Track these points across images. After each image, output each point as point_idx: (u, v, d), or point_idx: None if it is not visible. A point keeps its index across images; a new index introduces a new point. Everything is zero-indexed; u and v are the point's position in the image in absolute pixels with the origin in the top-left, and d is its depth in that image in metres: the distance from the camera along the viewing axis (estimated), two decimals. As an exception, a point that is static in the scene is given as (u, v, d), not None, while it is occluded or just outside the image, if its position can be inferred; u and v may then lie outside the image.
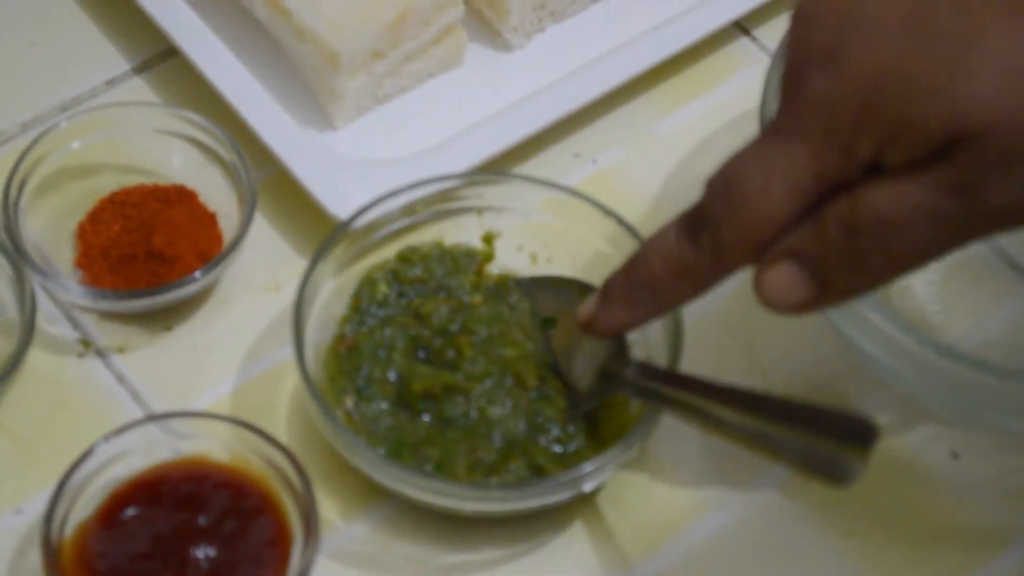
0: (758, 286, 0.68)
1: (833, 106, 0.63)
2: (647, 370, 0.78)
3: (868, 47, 0.63)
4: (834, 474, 0.69)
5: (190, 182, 0.88)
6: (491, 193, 0.85)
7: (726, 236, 0.67)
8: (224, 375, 0.84)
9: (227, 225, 0.87)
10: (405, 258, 0.84)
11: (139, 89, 0.94)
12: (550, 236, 0.85)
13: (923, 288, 0.87)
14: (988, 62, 0.61)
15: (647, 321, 0.75)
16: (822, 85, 0.64)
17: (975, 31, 0.61)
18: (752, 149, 0.67)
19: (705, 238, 0.68)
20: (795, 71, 0.65)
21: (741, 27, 0.98)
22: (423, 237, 0.85)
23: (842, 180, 0.65)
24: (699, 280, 0.70)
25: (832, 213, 0.65)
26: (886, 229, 0.64)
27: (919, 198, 0.63)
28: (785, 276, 0.67)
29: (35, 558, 0.76)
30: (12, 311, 0.82)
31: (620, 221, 0.82)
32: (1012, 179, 0.62)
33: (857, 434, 0.68)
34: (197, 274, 0.83)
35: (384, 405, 0.80)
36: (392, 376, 0.81)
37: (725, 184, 0.67)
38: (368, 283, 0.83)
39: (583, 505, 0.80)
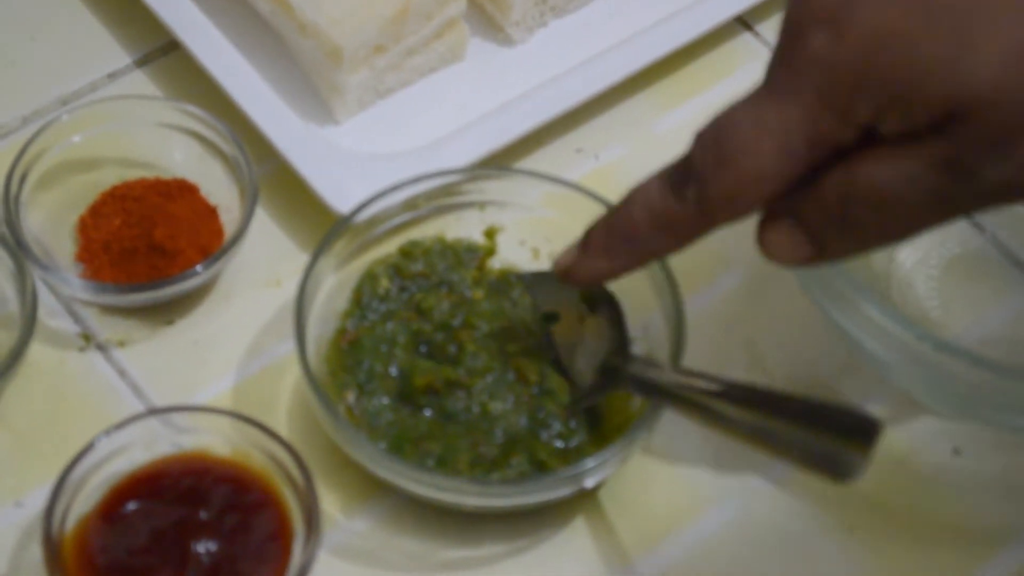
0: (761, 239, 0.68)
1: (832, 68, 0.63)
2: (649, 366, 0.78)
3: (872, 11, 0.62)
4: (836, 470, 0.69)
5: (191, 176, 0.88)
6: (493, 188, 0.84)
7: (712, 191, 0.67)
8: (225, 370, 0.84)
9: (228, 219, 0.87)
10: (407, 253, 0.84)
11: (140, 83, 0.94)
12: (552, 231, 0.85)
13: (923, 284, 0.87)
14: (992, 36, 0.60)
15: (626, 272, 0.74)
16: (822, 45, 0.63)
17: (981, 3, 0.61)
18: (745, 105, 0.66)
19: (690, 191, 0.68)
20: (795, 28, 0.64)
21: (743, 22, 0.98)
22: (425, 232, 0.85)
23: (836, 144, 0.64)
24: (681, 233, 0.69)
25: (827, 182, 0.65)
26: (880, 201, 0.64)
27: (914, 172, 0.63)
28: (785, 234, 0.67)
29: (36, 552, 0.76)
30: (13, 305, 0.81)
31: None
32: (1008, 156, 0.61)
33: (859, 430, 0.68)
34: (198, 268, 0.83)
35: (385, 400, 0.80)
36: (394, 371, 0.81)
37: (715, 138, 0.66)
38: (370, 278, 0.83)
39: (584, 501, 0.80)
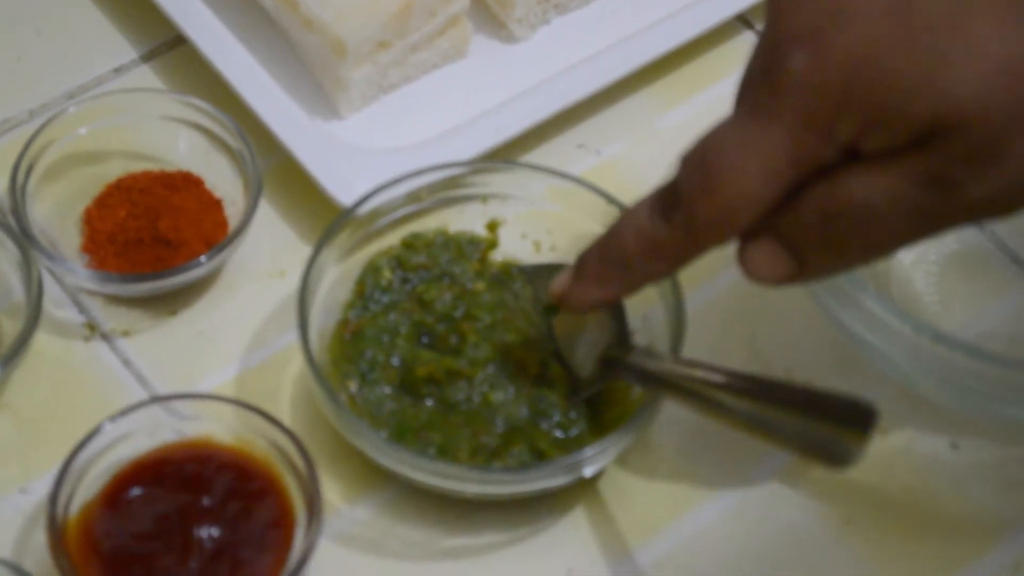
0: (741, 259, 0.68)
1: (813, 89, 0.62)
2: (649, 356, 0.78)
3: (852, 30, 0.62)
4: (834, 457, 0.69)
5: (196, 169, 0.88)
6: (496, 181, 0.85)
7: (699, 215, 0.67)
8: (228, 360, 0.84)
9: (233, 212, 0.87)
10: (409, 245, 0.85)
11: (146, 77, 0.94)
12: (554, 224, 0.86)
13: (922, 280, 0.88)
14: (973, 53, 0.60)
15: (620, 297, 0.75)
16: (802, 66, 0.62)
17: (962, 20, 0.61)
18: (729, 127, 0.66)
19: (678, 216, 0.68)
20: (775, 49, 0.64)
21: (744, 21, 0.99)
22: (427, 224, 0.85)
23: (819, 163, 0.64)
24: (672, 258, 0.70)
25: (809, 198, 0.65)
26: (861, 217, 0.64)
27: (895, 188, 0.63)
28: (766, 252, 0.67)
29: (40, 538, 0.76)
30: (19, 294, 0.82)
31: (623, 209, 0.83)
32: (989, 172, 0.61)
33: (856, 417, 0.69)
34: (202, 259, 0.83)
35: (387, 390, 0.81)
36: (395, 361, 0.81)
37: (701, 162, 0.66)
38: (372, 269, 0.84)
39: (584, 490, 0.81)
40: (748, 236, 0.68)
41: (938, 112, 0.61)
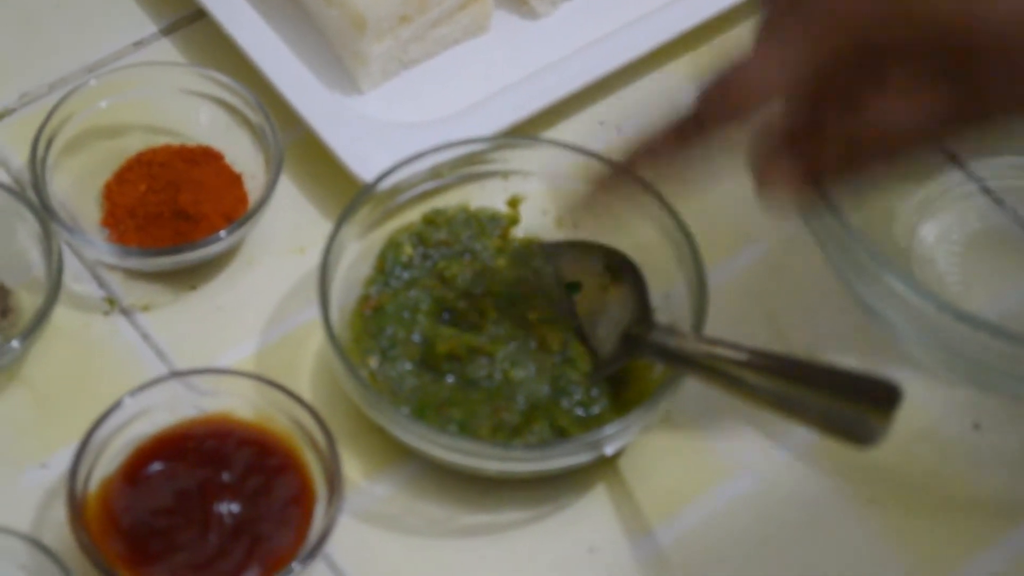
0: (753, 169, 0.69)
1: (841, 13, 0.63)
2: (671, 334, 0.78)
3: None
4: (858, 436, 0.69)
5: (217, 143, 0.88)
6: (517, 157, 0.85)
7: (714, 116, 0.68)
8: (248, 335, 0.84)
9: (253, 187, 0.87)
10: (430, 221, 0.84)
11: (167, 51, 0.94)
12: (575, 201, 0.85)
13: (944, 259, 0.88)
14: None
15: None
16: None
17: None
18: (749, 53, 0.66)
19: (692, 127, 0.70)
20: None
21: (767, -2, 0.98)
22: (449, 200, 0.85)
23: (844, 83, 0.64)
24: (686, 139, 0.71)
25: (833, 123, 0.65)
26: (886, 139, 0.64)
27: (923, 113, 0.63)
28: (783, 169, 0.68)
29: (60, 512, 0.76)
30: (39, 268, 0.82)
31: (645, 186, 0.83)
32: (1013, 91, 0.62)
33: (881, 396, 0.69)
34: (222, 234, 0.83)
35: (408, 366, 0.80)
36: (416, 337, 0.81)
37: (721, 81, 0.67)
38: (393, 245, 0.84)
39: (605, 468, 0.81)
40: (768, 151, 0.68)
41: (969, 33, 0.61)
